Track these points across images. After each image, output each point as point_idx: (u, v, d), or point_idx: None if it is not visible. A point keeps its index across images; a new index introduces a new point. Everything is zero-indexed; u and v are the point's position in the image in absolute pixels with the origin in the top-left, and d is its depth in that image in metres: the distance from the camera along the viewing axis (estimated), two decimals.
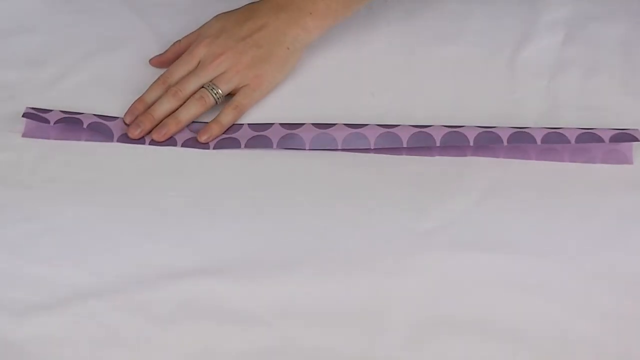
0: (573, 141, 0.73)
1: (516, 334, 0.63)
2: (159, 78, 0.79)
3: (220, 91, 0.77)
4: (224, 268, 0.66)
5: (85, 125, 0.75)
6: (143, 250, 0.68)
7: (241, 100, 0.77)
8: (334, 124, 0.76)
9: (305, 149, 0.74)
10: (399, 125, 0.75)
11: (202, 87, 0.77)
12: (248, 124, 0.77)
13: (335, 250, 0.68)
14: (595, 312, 0.64)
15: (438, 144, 0.73)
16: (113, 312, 0.64)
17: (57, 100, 0.79)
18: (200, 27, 0.81)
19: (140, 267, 0.66)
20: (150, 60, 0.82)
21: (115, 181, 0.73)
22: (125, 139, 0.76)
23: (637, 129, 0.74)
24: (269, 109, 0.79)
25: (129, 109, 0.77)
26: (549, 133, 0.73)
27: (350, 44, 0.81)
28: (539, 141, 0.73)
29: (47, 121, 0.75)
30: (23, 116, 0.76)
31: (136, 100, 0.78)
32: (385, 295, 0.65)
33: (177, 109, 0.77)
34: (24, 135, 0.76)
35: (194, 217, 0.70)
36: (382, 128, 0.75)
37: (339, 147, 0.74)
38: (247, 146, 0.75)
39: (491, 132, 0.73)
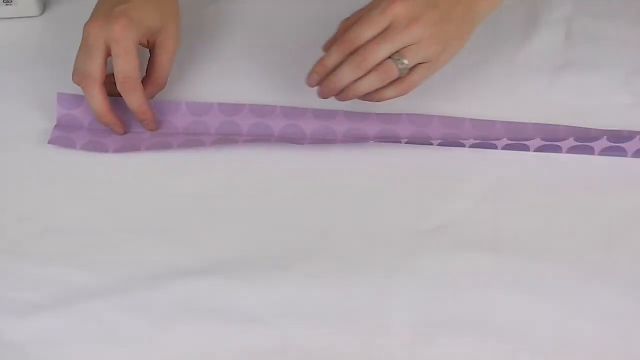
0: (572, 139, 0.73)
1: (516, 334, 0.63)
2: (343, 39, 0.70)
3: (406, 62, 0.69)
4: (224, 268, 0.66)
5: (111, 150, 0.75)
6: (143, 250, 0.68)
7: (417, 79, 0.70)
8: (335, 115, 0.76)
9: (304, 143, 0.74)
10: (400, 115, 0.76)
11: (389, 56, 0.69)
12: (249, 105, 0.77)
13: (335, 250, 0.68)
14: (595, 312, 0.64)
15: (436, 143, 0.74)
16: (113, 312, 0.64)
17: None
18: None
19: (141, 267, 0.67)
20: (323, 47, 0.73)
21: (116, 181, 0.73)
22: (152, 147, 0.74)
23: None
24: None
25: (311, 71, 0.71)
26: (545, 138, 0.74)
27: None
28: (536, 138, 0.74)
29: (73, 145, 0.75)
30: (52, 142, 0.75)
31: (317, 63, 0.71)
32: (385, 295, 0.65)
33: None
34: (50, 142, 0.75)
35: (194, 217, 0.70)
36: (382, 123, 0.75)
37: (338, 138, 0.75)
38: (248, 134, 0.75)
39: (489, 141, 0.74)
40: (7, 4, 0.86)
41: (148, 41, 0.75)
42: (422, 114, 0.76)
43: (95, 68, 0.72)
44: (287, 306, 0.64)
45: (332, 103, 0.74)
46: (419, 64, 0.69)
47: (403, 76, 0.69)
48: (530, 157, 0.74)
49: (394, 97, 0.71)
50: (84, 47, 0.72)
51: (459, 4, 0.70)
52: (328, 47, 0.72)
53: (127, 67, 0.72)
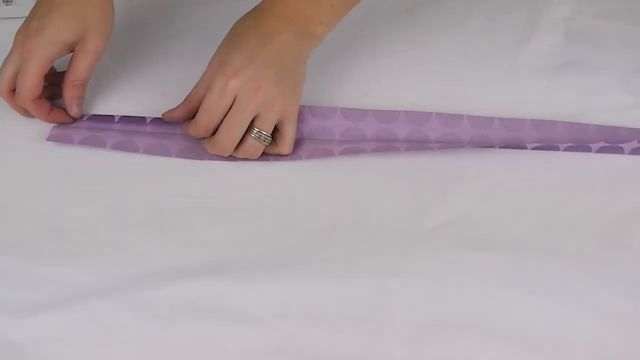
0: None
1: (516, 334, 0.63)
2: (197, 126, 0.71)
3: (265, 133, 0.71)
4: (224, 268, 0.66)
5: (109, 146, 0.75)
6: (143, 250, 0.68)
7: (290, 138, 0.73)
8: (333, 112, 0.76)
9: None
10: (398, 113, 0.76)
11: (247, 133, 0.71)
12: None
13: (335, 250, 0.68)
14: (596, 312, 0.64)
15: (436, 146, 0.74)
16: (113, 312, 0.64)
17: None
18: (214, 60, 0.72)
19: (140, 267, 0.66)
20: (162, 115, 0.75)
21: (116, 181, 0.73)
22: (151, 150, 0.75)
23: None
24: None
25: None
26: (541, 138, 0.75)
27: (349, 42, 0.81)
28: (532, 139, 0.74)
29: (70, 140, 0.75)
30: (50, 138, 0.76)
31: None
32: (385, 295, 0.65)
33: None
34: (49, 139, 0.76)
35: (194, 217, 0.70)
36: (380, 122, 0.75)
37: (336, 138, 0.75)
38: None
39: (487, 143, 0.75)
40: (7, 4, 0.86)
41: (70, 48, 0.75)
42: (420, 112, 0.76)
43: (3, 77, 0.74)
44: (287, 306, 0.64)
45: (330, 101, 0.74)
46: (282, 120, 0.71)
47: (275, 139, 0.72)
48: (529, 156, 0.74)
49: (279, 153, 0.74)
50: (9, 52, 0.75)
51: (288, 52, 0.71)
52: (169, 117, 0.74)
53: (22, 86, 0.74)
